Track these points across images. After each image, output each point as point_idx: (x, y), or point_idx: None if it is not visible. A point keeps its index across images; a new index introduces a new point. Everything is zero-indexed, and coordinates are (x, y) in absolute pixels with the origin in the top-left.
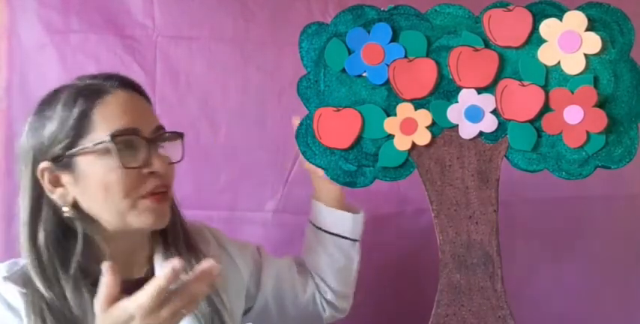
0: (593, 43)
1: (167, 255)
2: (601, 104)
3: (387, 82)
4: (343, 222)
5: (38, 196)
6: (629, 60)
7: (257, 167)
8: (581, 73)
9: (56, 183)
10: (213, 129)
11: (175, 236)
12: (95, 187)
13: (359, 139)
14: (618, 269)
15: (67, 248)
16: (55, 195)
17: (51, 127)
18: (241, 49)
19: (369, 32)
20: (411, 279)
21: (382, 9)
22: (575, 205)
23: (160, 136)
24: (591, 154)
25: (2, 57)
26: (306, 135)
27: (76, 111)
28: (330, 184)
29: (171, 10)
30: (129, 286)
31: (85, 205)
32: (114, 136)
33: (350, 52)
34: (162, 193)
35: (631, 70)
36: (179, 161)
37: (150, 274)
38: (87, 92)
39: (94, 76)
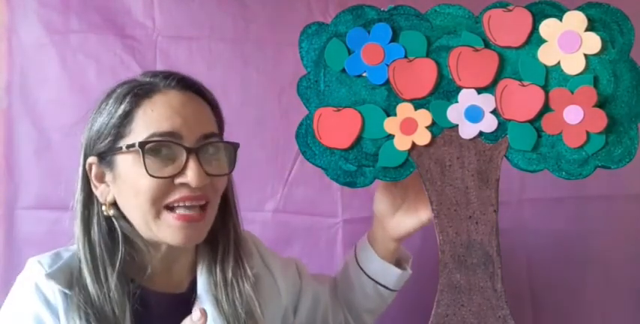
0: (593, 43)
1: (211, 270)
2: (601, 104)
3: (387, 82)
4: (390, 275)
5: (89, 190)
6: (629, 60)
7: (257, 167)
8: (581, 73)
9: (101, 179)
10: None
11: (225, 250)
12: (128, 190)
13: (359, 139)
14: (618, 269)
15: (114, 247)
16: (98, 191)
17: (100, 122)
18: (241, 49)
19: (369, 32)
20: (411, 279)
21: (382, 9)
22: (575, 205)
23: (204, 145)
24: (591, 154)
25: (2, 57)
26: (306, 135)
27: (121, 108)
28: (390, 233)
29: (171, 10)
30: (170, 301)
31: (122, 206)
32: (144, 143)
33: (350, 52)
34: (194, 212)
35: (631, 70)
36: (225, 174)
37: (191, 289)
38: (138, 90)
39: (155, 74)
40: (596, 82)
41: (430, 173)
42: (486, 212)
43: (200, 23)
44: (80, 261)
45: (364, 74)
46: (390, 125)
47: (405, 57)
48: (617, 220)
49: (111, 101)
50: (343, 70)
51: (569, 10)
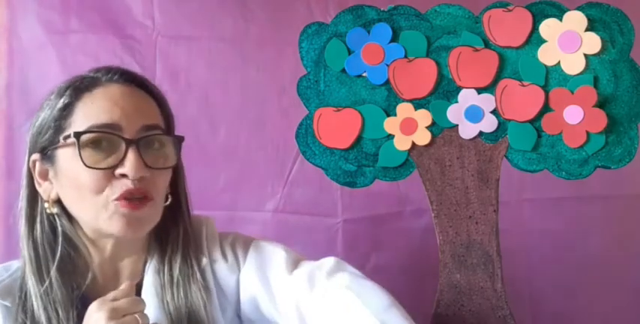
0: (593, 43)
1: (159, 271)
2: (601, 104)
3: (387, 82)
4: None
5: (33, 188)
6: (629, 60)
7: (257, 167)
8: (581, 73)
9: (44, 177)
10: (213, 129)
11: (173, 250)
12: (69, 184)
13: (359, 139)
14: (618, 269)
15: (56, 246)
16: (41, 189)
17: (42, 117)
18: (241, 49)
19: (369, 32)
20: (411, 279)
21: (382, 9)
22: (575, 206)
23: (145, 137)
24: (591, 154)
25: (2, 57)
26: (306, 135)
27: (61, 102)
28: None
29: (171, 10)
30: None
31: (65, 202)
32: (80, 133)
33: (350, 52)
34: (138, 200)
35: (631, 70)
36: (168, 167)
37: (137, 289)
38: (78, 84)
39: (99, 69)
40: (596, 82)
41: (430, 173)
42: (486, 212)
43: (200, 23)
44: (24, 262)
45: (364, 74)
46: (390, 125)
47: (405, 57)
48: (616, 220)
49: (52, 96)
50: (343, 70)
51: (569, 10)
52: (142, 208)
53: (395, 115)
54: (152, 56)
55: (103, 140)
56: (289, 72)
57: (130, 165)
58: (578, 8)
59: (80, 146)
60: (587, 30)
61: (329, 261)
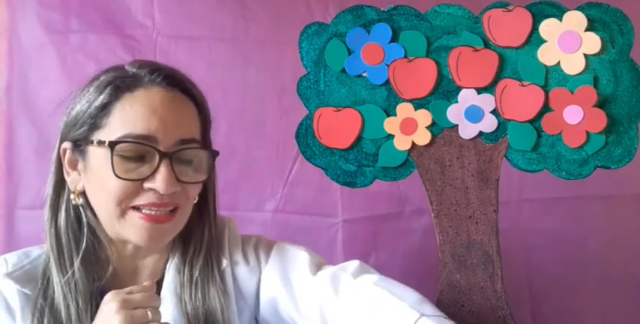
0: (592, 43)
1: (179, 270)
2: (601, 104)
3: (387, 82)
4: None
5: (61, 175)
6: (628, 60)
7: (257, 167)
8: (580, 73)
9: (73, 166)
10: (213, 129)
11: (196, 250)
12: (96, 184)
13: (359, 139)
14: (618, 269)
15: (81, 236)
16: (69, 178)
17: (78, 109)
18: (241, 49)
19: (369, 32)
20: (411, 279)
21: (382, 9)
22: (575, 205)
23: (180, 150)
24: (591, 154)
25: (2, 57)
26: (306, 135)
27: (100, 99)
28: None
29: (171, 10)
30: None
31: (90, 197)
32: (115, 143)
33: (350, 52)
34: (161, 213)
35: (631, 70)
36: (199, 182)
37: (158, 285)
38: (120, 81)
39: (142, 65)
40: (596, 82)
41: (430, 173)
42: (486, 212)
43: (200, 23)
44: (48, 249)
45: (364, 74)
46: (390, 125)
47: (405, 57)
48: (616, 220)
49: (92, 89)
50: (343, 70)
51: (569, 10)
52: (168, 222)
53: (395, 115)
54: (152, 56)
55: (136, 150)
56: (289, 72)
57: (161, 180)
58: (578, 8)
59: (113, 154)
60: (587, 30)
61: (353, 263)
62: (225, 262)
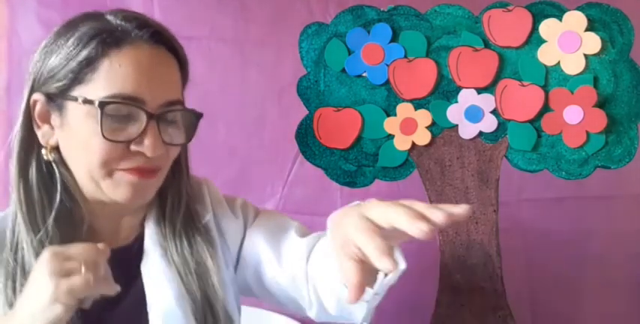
0: (592, 43)
1: (159, 222)
2: (601, 104)
3: (387, 82)
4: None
5: (30, 128)
6: (628, 60)
7: (257, 167)
8: (581, 73)
9: (45, 119)
10: (213, 129)
11: (174, 206)
12: (77, 143)
13: (359, 139)
14: (617, 269)
15: (53, 193)
16: (40, 131)
17: (54, 61)
18: (241, 49)
19: (369, 32)
20: (411, 279)
21: (382, 9)
22: (575, 205)
23: (167, 112)
24: (591, 154)
25: (2, 57)
26: (306, 135)
27: (83, 54)
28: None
29: (171, 10)
30: (113, 254)
31: (66, 155)
32: (105, 103)
33: (350, 52)
34: (149, 171)
35: (631, 70)
36: (182, 144)
37: (138, 241)
38: (106, 35)
39: (127, 17)
40: (596, 82)
41: (430, 173)
42: (486, 212)
43: (200, 23)
44: (15, 206)
45: (364, 74)
46: (390, 125)
47: (405, 57)
48: (616, 220)
49: (72, 40)
50: (343, 70)
51: (569, 10)
52: (151, 178)
53: (395, 115)
54: None
55: (123, 110)
56: (289, 72)
57: (149, 144)
58: (578, 8)
59: (103, 114)
60: (587, 30)
61: None
62: (207, 216)
